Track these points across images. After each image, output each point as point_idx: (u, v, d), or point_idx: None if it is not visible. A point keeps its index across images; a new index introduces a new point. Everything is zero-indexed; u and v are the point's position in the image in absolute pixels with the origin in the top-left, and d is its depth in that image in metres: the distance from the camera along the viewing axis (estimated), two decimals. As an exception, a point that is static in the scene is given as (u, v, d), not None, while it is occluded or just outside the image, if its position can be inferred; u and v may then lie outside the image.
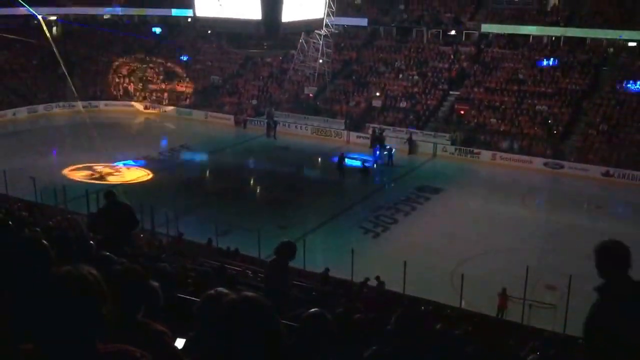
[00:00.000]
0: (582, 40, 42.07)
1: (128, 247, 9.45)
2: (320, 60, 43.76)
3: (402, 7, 48.72)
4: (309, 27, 41.69)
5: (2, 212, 12.90)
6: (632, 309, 4.13)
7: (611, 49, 41.59)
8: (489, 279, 19.76)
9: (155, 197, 26.16)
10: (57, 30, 54.22)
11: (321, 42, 43.29)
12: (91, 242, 7.29)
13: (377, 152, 36.05)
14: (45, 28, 40.62)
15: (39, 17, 44.54)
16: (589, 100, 38.21)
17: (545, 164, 34.55)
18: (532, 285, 17.78)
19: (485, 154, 36.09)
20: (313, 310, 4.15)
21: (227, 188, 31.78)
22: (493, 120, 38.60)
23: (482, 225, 26.42)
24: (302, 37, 43.29)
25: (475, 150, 36.48)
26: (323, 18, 41.73)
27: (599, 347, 4.33)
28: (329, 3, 42.05)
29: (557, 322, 16.24)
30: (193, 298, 5.64)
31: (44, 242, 3.31)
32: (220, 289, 3.41)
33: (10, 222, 5.47)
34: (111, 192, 10.66)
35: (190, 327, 3.65)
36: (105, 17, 57.61)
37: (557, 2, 44.79)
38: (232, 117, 45.15)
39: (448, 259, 21.70)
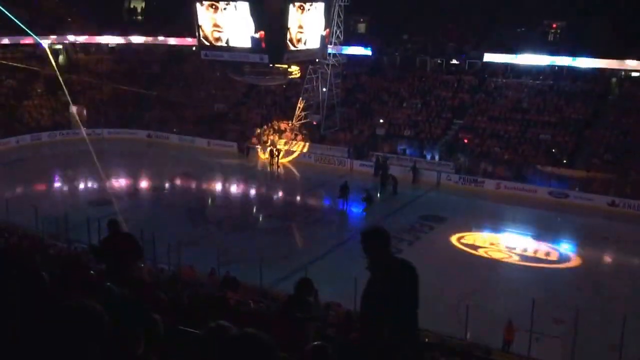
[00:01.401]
0: (585, 69, 42.22)
1: (130, 277, 9.33)
2: (324, 89, 43.91)
3: (405, 36, 49.09)
4: (313, 56, 41.92)
5: (2, 242, 12.87)
6: (384, 279, 4.69)
7: (614, 79, 41.73)
8: (494, 311, 19.55)
9: (157, 226, 25.96)
10: (62, 58, 54.67)
11: (329, 72, 43.44)
12: (92, 272, 7.19)
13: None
14: (50, 56, 40.96)
15: (44, 45, 45.00)
16: (592, 129, 38.24)
17: (550, 193, 34.42)
18: (539, 317, 17.45)
19: (490, 183, 35.98)
20: (315, 343, 4.05)
21: (229, 216, 31.68)
22: (497, 149, 38.62)
23: (487, 255, 26.22)
24: (309, 67, 43.51)
25: (479, 179, 36.42)
26: (327, 47, 41.98)
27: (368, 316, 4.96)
28: (336, 33, 42.34)
29: (565, 354, 16.03)
30: (194, 330, 5.54)
31: (43, 273, 3.24)
32: (221, 322, 3.33)
33: (11, 252, 5.41)
34: (114, 222, 10.56)
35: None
36: (110, 45, 58.00)
37: (559, 32, 45.08)
38: (235, 144, 45.26)
39: (453, 289, 21.44)
